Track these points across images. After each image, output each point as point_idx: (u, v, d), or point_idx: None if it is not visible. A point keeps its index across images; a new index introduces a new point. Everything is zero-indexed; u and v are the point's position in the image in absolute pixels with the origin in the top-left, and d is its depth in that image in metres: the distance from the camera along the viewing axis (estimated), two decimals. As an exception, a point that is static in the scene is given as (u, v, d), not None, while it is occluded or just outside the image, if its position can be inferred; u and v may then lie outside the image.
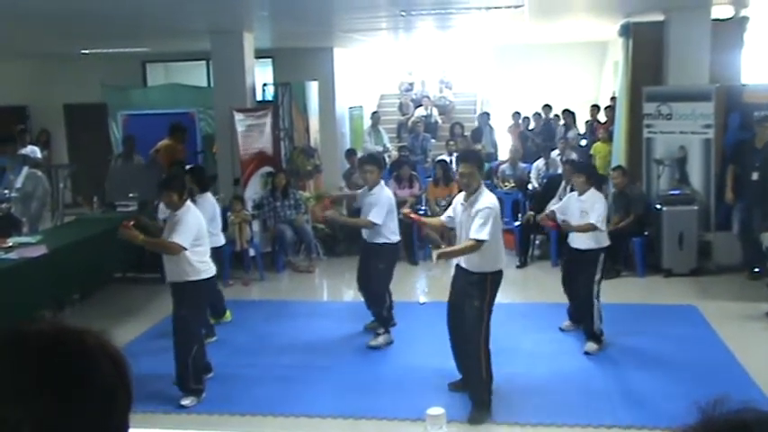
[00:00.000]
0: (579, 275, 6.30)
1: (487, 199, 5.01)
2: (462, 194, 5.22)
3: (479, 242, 4.87)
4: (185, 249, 5.23)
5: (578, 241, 6.26)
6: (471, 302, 4.99)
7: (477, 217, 4.88)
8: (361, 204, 6.69)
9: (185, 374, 5.41)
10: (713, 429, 0.89)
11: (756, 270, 7.99)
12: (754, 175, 8.06)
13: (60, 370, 0.95)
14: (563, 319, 6.76)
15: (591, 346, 6.18)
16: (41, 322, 1.04)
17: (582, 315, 6.37)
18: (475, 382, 5.08)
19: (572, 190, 6.66)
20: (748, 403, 0.92)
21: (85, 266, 7.31)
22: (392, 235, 6.43)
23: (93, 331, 1.03)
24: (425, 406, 2.81)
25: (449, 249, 5.32)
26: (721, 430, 0.89)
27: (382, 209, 6.33)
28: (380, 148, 12.71)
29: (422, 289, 8.16)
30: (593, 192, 6.22)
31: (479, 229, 4.86)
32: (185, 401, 5.37)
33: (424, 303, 7.50)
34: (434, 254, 5.16)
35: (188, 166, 8.10)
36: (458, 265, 5.19)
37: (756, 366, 5.67)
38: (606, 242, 6.22)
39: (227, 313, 7.25)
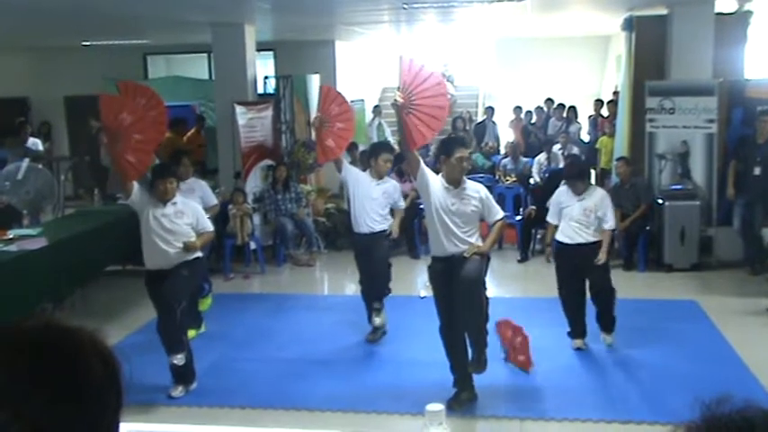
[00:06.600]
0: (594, 269, 5.96)
1: (475, 183, 5.27)
2: (439, 177, 5.04)
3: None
4: None
5: (587, 234, 5.96)
6: (481, 279, 4.93)
7: (489, 200, 5.09)
8: (356, 191, 6.33)
9: (190, 359, 5.39)
10: (717, 427, 0.88)
11: (757, 265, 7.98)
12: (756, 171, 8.05)
13: (51, 369, 0.93)
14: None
15: (611, 338, 6.10)
16: (35, 319, 1.01)
17: (606, 308, 6.07)
18: (483, 340, 5.03)
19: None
20: (751, 401, 0.91)
21: (86, 259, 7.30)
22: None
23: (86, 329, 1.00)
24: (425, 401, 2.82)
25: (488, 243, 5.04)
26: (725, 428, 0.88)
27: (400, 193, 6.56)
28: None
29: (423, 282, 8.13)
30: (593, 188, 6.15)
31: (498, 209, 5.13)
32: (175, 392, 5.36)
33: (424, 297, 7.49)
34: (472, 250, 4.85)
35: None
36: (450, 258, 4.93)
37: (757, 361, 5.66)
38: None
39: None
